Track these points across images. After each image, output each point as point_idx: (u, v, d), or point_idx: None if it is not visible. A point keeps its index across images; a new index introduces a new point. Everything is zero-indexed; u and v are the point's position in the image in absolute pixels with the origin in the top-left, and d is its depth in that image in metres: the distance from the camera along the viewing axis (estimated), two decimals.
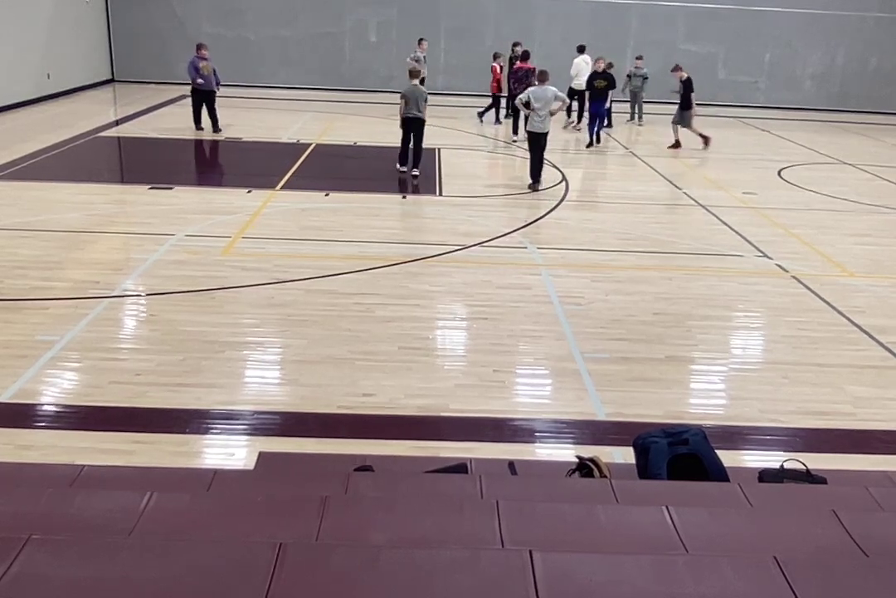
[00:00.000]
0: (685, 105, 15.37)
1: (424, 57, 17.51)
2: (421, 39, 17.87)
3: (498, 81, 17.01)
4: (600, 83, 15.48)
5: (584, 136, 15.70)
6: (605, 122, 16.42)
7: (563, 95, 12.10)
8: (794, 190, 12.69)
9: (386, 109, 18.79)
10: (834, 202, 11.88)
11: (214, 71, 14.76)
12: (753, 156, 15.75)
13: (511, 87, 15.99)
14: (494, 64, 17.19)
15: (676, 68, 15.66)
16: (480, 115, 17.92)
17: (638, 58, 18.49)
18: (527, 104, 11.62)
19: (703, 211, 11.00)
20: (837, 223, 10.76)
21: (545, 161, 12.13)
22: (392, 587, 2.13)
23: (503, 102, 17.45)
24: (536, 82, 11.92)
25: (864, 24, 22.71)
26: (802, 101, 23.30)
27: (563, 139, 16.42)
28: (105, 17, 21.94)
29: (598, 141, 15.66)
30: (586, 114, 16.03)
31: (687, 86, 15.26)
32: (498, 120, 17.62)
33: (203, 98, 14.92)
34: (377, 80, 22.40)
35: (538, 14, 22.44)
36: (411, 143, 12.03)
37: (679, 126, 15.57)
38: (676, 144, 15.74)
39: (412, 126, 11.89)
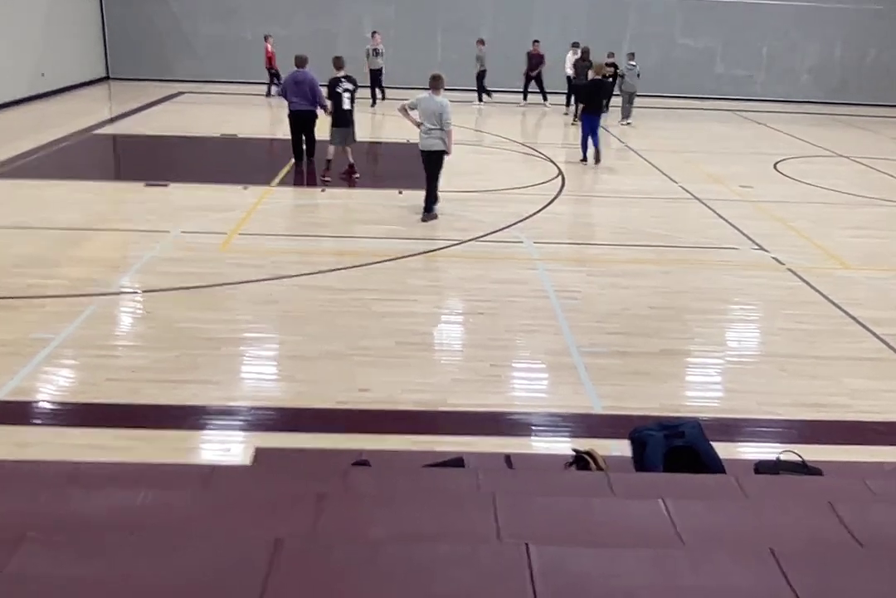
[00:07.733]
0: (342, 121, 11.11)
1: (374, 50, 18.49)
2: (374, 32, 19.10)
3: (269, 59, 19.29)
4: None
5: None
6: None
7: (450, 119, 9.17)
8: (791, 183, 12.69)
9: (380, 106, 18.77)
10: (831, 195, 11.88)
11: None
12: (750, 149, 15.75)
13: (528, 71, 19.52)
14: (266, 43, 19.24)
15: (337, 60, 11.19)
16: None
17: (630, 55, 18.23)
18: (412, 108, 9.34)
19: (699, 204, 10.99)
20: (834, 216, 10.76)
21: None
22: (390, 581, 2.14)
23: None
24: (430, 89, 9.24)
25: (861, 16, 22.69)
26: (800, 94, 23.30)
27: (564, 134, 16.41)
28: (99, 15, 21.87)
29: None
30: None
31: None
32: (269, 93, 19.44)
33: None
34: None
35: (535, 9, 22.41)
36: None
37: (347, 147, 11.41)
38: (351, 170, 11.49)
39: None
